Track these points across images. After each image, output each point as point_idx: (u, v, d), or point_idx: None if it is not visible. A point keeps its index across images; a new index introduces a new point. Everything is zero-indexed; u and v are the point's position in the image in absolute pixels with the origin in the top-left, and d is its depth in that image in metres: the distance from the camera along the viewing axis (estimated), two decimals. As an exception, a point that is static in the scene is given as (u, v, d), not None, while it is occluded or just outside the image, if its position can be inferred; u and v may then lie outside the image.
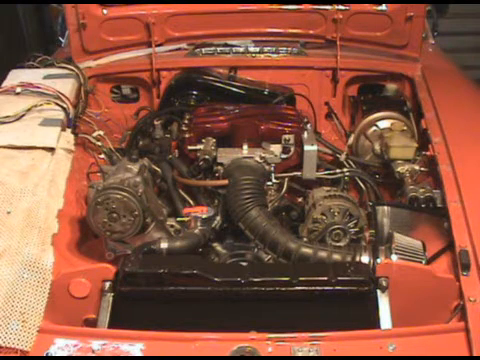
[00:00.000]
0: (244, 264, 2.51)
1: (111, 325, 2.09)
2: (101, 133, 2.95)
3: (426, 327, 1.97)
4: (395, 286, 2.11)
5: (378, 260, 2.22)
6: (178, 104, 3.47)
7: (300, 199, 2.96)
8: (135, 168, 2.48)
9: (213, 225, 2.59)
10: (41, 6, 6.44)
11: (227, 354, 1.85)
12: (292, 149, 2.86)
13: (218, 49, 3.65)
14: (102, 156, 2.90)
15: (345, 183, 2.93)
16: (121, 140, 3.36)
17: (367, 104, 3.37)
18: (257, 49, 3.63)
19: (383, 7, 3.36)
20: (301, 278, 2.09)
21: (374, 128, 3.19)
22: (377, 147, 3.13)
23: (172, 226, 2.60)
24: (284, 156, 2.85)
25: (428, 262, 2.25)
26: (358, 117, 3.35)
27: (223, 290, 2.09)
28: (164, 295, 2.11)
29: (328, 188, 2.76)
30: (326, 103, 3.60)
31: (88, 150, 2.97)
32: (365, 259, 2.27)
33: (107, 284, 2.15)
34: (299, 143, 2.87)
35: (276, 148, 2.85)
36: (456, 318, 2.01)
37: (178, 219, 2.63)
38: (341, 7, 3.38)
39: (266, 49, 3.61)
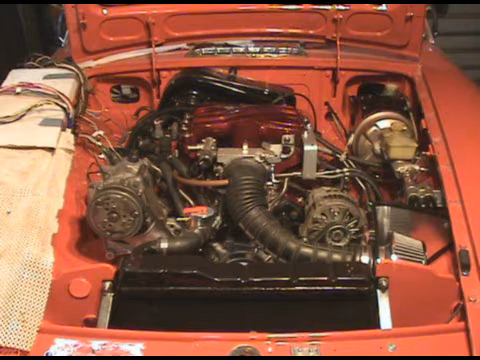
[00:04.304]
0: (244, 264, 2.51)
1: (111, 325, 2.08)
2: (101, 133, 2.94)
3: (426, 327, 1.97)
4: (395, 286, 2.11)
5: (378, 260, 2.22)
6: (178, 104, 3.47)
7: (300, 199, 2.96)
8: (135, 168, 2.48)
9: (213, 225, 2.59)
10: (41, 6, 6.44)
11: (227, 354, 1.85)
12: (292, 149, 2.86)
13: (218, 49, 3.66)
14: (102, 156, 2.90)
15: (345, 183, 2.93)
16: (121, 140, 3.36)
17: (367, 104, 3.37)
18: (257, 49, 3.63)
19: (383, 7, 3.36)
20: (301, 278, 2.09)
21: (374, 128, 3.19)
22: (377, 147, 3.13)
23: (172, 226, 2.60)
24: (284, 156, 2.85)
25: (428, 262, 2.25)
26: (358, 117, 3.36)
27: (223, 290, 2.09)
28: (164, 295, 2.11)
29: (328, 188, 2.76)
30: (326, 103, 3.60)
31: (88, 150, 2.97)
32: (365, 259, 2.26)
33: (107, 284, 2.14)
34: (299, 143, 2.87)
35: (276, 148, 2.85)
36: (456, 318, 2.01)
37: (178, 219, 2.63)
38: (341, 7, 3.38)
39: (266, 49, 3.62)
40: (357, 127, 3.26)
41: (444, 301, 2.08)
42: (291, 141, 2.85)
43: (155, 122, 3.24)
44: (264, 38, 3.63)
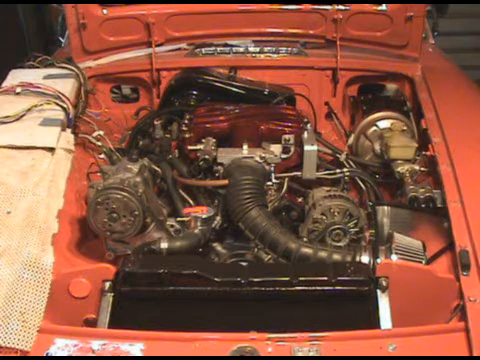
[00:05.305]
0: (244, 264, 2.51)
1: (111, 325, 2.09)
2: (101, 133, 2.94)
3: (426, 327, 1.97)
4: (395, 286, 2.11)
5: (378, 260, 2.21)
6: (178, 104, 3.47)
7: (300, 199, 2.96)
8: (135, 168, 2.48)
9: (213, 225, 2.59)
10: (41, 6, 6.44)
11: (227, 354, 1.85)
12: (292, 149, 2.86)
13: (218, 49, 3.66)
14: (102, 156, 2.89)
15: (345, 183, 2.93)
16: (121, 140, 3.37)
17: (367, 104, 3.37)
18: (257, 49, 3.64)
19: (383, 7, 3.36)
20: (301, 278, 2.09)
21: (374, 128, 3.19)
22: (377, 147, 3.13)
23: (172, 226, 2.60)
24: (284, 156, 2.85)
25: (428, 262, 2.25)
26: (358, 117, 3.36)
27: (223, 290, 2.09)
28: (164, 295, 2.11)
29: (328, 188, 2.76)
30: (326, 103, 3.60)
31: (88, 150, 2.97)
32: (365, 259, 2.26)
33: (107, 284, 2.15)
34: (299, 143, 2.87)
35: (276, 148, 2.85)
36: (456, 318, 2.01)
37: (178, 219, 2.63)
38: (341, 7, 3.38)
39: (266, 49, 3.62)
40: (357, 127, 3.26)
41: (444, 301, 2.08)
42: (291, 141, 2.85)
43: (155, 122, 3.24)
44: (264, 38, 3.63)
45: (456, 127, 2.88)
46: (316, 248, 2.36)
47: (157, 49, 3.50)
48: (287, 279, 2.09)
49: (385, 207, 2.52)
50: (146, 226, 2.38)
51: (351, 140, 3.27)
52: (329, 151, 3.09)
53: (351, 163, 3.03)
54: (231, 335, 1.91)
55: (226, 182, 2.69)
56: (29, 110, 2.82)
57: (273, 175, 2.83)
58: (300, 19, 3.46)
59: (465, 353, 1.85)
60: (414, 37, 3.41)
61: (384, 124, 3.17)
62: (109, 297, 2.15)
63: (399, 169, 2.83)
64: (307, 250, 2.36)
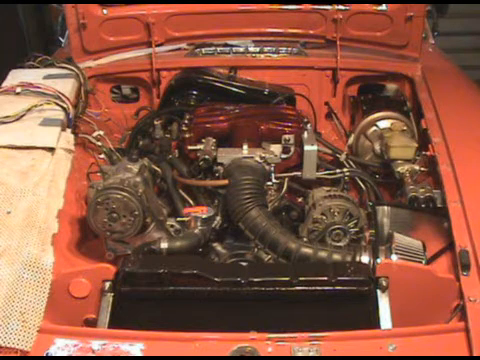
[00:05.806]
0: (244, 264, 2.51)
1: (111, 325, 2.09)
2: (101, 133, 2.94)
3: (426, 327, 1.97)
4: (395, 286, 2.11)
5: (378, 260, 2.21)
6: (178, 104, 3.47)
7: (300, 199, 2.96)
8: (135, 168, 2.48)
9: (213, 225, 2.59)
10: (41, 6, 6.45)
11: (227, 354, 1.85)
12: (292, 149, 2.86)
13: (218, 49, 3.66)
14: (102, 156, 2.90)
15: (345, 183, 2.93)
16: (121, 140, 3.37)
17: (367, 104, 3.37)
18: (257, 49, 3.64)
19: (383, 7, 3.37)
20: (301, 278, 2.09)
21: (374, 128, 3.19)
22: (377, 147, 3.13)
23: (172, 226, 2.60)
24: (284, 156, 2.85)
25: (428, 262, 2.25)
26: (358, 117, 3.36)
27: (223, 290, 2.09)
28: (164, 295, 2.11)
29: (328, 188, 2.76)
30: (326, 103, 3.60)
31: (88, 150, 2.98)
32: (365, 259, 2.26)
33: (107, 284, 2.15)
34: (299, 143, 2.87)
35: (276, 148, 2.85)
36: (456, 318, 2.01)
37: (178, 219, 2.63)
38: (341, 7, 3.38)
39: (266, 49, 3.62)
40: (357, 127, 3.26)
41: (444, 301, 2.08)
42: (291, 141, 2.85)
43: (155, 122, 3.24)
44: (264, 38, 3.63)
45: (456, 127, 2.88)
46: (316, 248, 2.36)
47: (157, 49, 3.50)
48: (287, 279, 2.09)
49: (385, 207, 2.52)
50: (146, 226, 2.38)
51: (351, 140, 3.27)
52: (329, 151, 3.09)
53: (351, 163, 3.04)
54: (231, 335, 1.91)
55: (226, 182, 2.69)
56: (29, 110, 2.82)
57: (273, 175, 2.82)
58: (300, 19, 3.47)
59: (465, 353, 1.85)
60: (414, 37, 3.42)
61: (384, 124, 3.17)
62: (109, 297, 2.15)
63: (399, 169, 2.83)
64: (307, 250, 2.36)
